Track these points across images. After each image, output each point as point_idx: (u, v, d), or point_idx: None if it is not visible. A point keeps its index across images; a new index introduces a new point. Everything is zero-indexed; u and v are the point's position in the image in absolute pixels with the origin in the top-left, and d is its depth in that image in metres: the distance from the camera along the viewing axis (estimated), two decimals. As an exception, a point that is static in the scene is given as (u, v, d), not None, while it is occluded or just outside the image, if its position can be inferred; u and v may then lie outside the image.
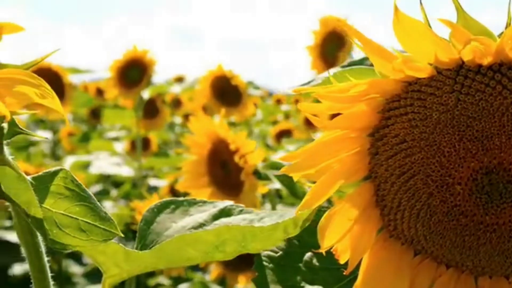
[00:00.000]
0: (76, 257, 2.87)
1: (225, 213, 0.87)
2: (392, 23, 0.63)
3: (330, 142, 0.69)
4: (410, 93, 0.66)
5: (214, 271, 2.32)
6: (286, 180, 1.67)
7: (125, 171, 3.20)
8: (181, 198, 0.90)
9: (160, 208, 0.88)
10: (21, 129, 0.63)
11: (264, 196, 1.99)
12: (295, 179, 0.70)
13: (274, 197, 1.86)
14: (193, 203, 0.90)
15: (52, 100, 0.58)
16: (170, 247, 0.71)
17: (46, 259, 0.77)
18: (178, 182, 1.76)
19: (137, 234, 0.85)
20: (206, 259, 0.74)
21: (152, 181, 3.38)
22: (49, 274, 0.78)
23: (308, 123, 5.35)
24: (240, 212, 0.87)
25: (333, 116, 0.69)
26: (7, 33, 0.55)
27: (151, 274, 2.75)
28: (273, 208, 1.88)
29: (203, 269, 2.64)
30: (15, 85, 0.57)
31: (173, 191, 3.06)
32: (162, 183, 3.26)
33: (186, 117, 5.15)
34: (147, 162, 3.06)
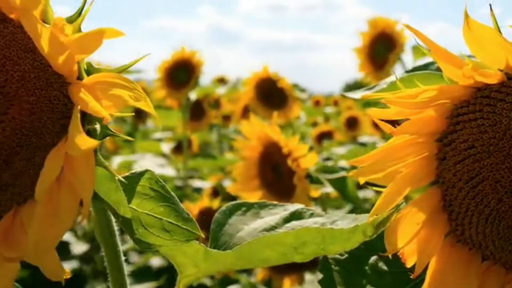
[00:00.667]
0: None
1: (296, 216, 0.87)
2: (462, 29, 0.63)
3: (398, 147, 0.70)
4: (479, 99, 0.67)
5: (260, 273, 2.32)
6: (338, 184, 1.67)
7: (169, 171, 3.24)
8: (252, 201, 0.91)
9: (231, 210, 0.90)
10: (111, 130, 0.64)
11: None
12: (361, 183, 0.71)
13: (327, 200, 1.86)
14: (264, 206, 0.91)
15: (145, 103, 0.59)
16: (249, 248, 0.72)
17: (123, 258, 0.79)
18: (230, 185, 1.77)
19: (209, 236, 0.86)
20: (284, 260, 0.75)
21: (196, 183, 3.41)
22: (126, 273, 0.80)
23: (349, 125, 5.33)
24: (311, 215, 0.87)
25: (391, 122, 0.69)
26: (107, 38, 0.57)
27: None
28: (324, 211, 1.87)
29: (248, 271, 2.65)
30: (111, 89, 0.59)
31: (216, 193, 3.08)
32: (206, 185, 3.28)
33: (225, 118, 5.17)
34: (193, 163, 3.08)
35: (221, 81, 6.44)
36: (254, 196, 1.72)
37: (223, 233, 0.87)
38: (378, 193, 0.71)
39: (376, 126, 4.67)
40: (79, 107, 0.57)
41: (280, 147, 1.64)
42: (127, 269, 0.75)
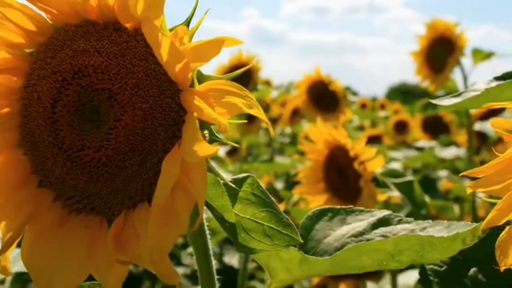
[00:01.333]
0: (176, 258, 2.94)
1: (383, 222, 0.87)
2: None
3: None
4: None
5: (315, 278, 2.31)
6: (405, 188, 1.65)
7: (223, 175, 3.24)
8: (338, 207, 0.91)
9: (318, 216, 0.90)
10: (217, 137, 0.65)
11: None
12: (479, 194, 0.70)
13: (402, 205, 1.84)
14: (350, 211, 0.91)
15: (258, 110, 0.60)
16: (346, 255, 0.72)
17: (213, 261, 0.80)
18: (296, 187, 1.78)
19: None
20: (378, 267, 0.75)
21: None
22: (215, 276, 0.81)
23: (398, 130, 5.26)
24: (399, 221, 0.87)
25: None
26: (226, 46, 0.58)
27: (250, 277, 2.78)
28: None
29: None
30: (224, 96, 0.60)
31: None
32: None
33: (273, 121, 5.18)
34: (248, 166, 3.09)
35: (266, 84, 6.45)
36: (319, 199, 1.72)
37: (310, 238, 0.88)
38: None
39: (425, 130, 4.59)
40: (195, 114, 0.58)
41: (346, 150, 1.64)
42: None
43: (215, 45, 0.58)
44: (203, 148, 0.56)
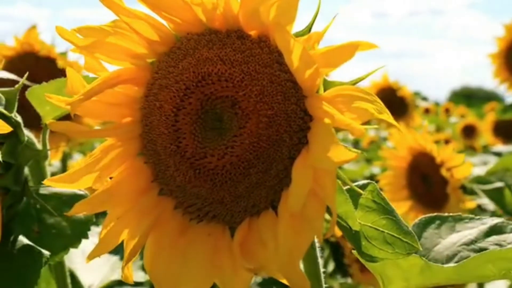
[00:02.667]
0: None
1: (496, 230, 0.84)
2: None
3: None
4: None
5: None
6: (495, 195, 1.59)
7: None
8: (445, 214, 0.89)
9: (425, 224, 0.88)
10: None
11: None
12: None
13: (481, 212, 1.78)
14: (459, 219, 0.88)
15: (388, 115, 0.59)
16: (472, 264, 0.70)
17: (322, 270, 0.79)
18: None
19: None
20: (503, 277, 0.72)
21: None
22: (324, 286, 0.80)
23: (466, 134, 5.13)
24: (513, 229, 0.83)
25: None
26: (361, 51, 0.57)
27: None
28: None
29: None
30: (353, 101, 0.59)
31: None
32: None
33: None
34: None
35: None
36: (402, 206, 1.69)
37: (420, 246, 0.86)
38: None
39: (497, 134, 4.45)
40: (325, 120, 0.58)
41: (431, 156, 1.60)
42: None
43: (347, 50, 0.57)
44: (339, 154, 0.55)
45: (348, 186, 0.67)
